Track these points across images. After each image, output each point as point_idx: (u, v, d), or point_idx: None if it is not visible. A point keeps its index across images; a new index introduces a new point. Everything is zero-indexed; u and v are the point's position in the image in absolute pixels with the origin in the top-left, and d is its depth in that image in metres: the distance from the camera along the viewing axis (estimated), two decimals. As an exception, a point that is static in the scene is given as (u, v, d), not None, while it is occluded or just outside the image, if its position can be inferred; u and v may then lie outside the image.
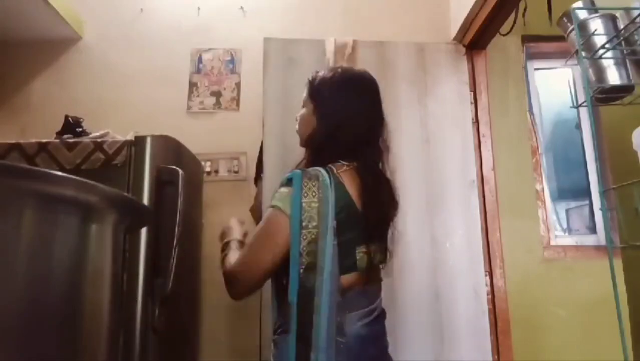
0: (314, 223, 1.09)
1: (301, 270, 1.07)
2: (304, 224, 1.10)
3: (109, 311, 0.77)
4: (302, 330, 1.04)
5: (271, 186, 2.09)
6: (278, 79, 2.18)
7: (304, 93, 1.31)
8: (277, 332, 1.15)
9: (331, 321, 1.04)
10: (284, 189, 1.15)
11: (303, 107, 1.30)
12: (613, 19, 1.37)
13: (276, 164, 2.11)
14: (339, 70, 1.31)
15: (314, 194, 1.11)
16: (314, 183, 1.12)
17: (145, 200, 1.65)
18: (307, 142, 1.28)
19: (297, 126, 1.32)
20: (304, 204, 1.10)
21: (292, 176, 1.15)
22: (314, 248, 1.07)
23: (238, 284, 1.14)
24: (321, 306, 1.03)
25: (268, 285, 1.20)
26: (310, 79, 1.33)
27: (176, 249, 1.68)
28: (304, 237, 1.08)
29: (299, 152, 2.13)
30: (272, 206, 1.14)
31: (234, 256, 1.21)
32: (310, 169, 1.16)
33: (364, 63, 2.26)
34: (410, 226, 2.11)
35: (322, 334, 1.02)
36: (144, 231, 1.63)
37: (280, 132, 2.13)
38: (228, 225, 1.38)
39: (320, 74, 1.32)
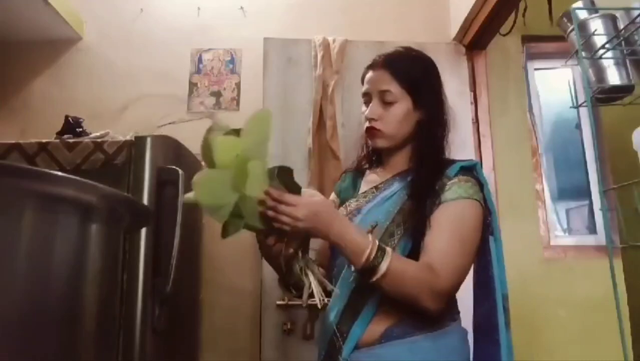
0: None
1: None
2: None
3: (109, 311, 0.77)
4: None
5: (271, 186, 2.09)
6: (278, 79, 2.19)
7: (383, 85, 1.14)
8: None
9: None
10: (470, 181, 1.09)
11: (390, 101, 1.14)
12: (613, 19, 1.37)
13: (276, 164, 2.11)
14: (414, 51, 1.22)
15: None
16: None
17: (145, 200, 1.65)
18: (404, 142, 1.17)
19: (378, 124, 1.14)
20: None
21: (474, 165, 1.12)
22: None
23: (446, 298, 1.02)
24: None
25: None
26: (391, 65, 1.16)
27: (176, 249, 1.68)
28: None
29: (299, 152, 2.14)
30: (470, 198, 1.07)
31: (408, 263, 1.00)
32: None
33: (364, 63, 2.26)
34: (410, 226, 2.11)
35: None
36: (144, 231, 1.63)
37: (280, 132, 2.13)
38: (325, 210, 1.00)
39: (399, 57, 1.19)
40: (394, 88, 1.14)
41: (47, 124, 2.13)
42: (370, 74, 1.20)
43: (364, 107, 1.19)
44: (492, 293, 1.08)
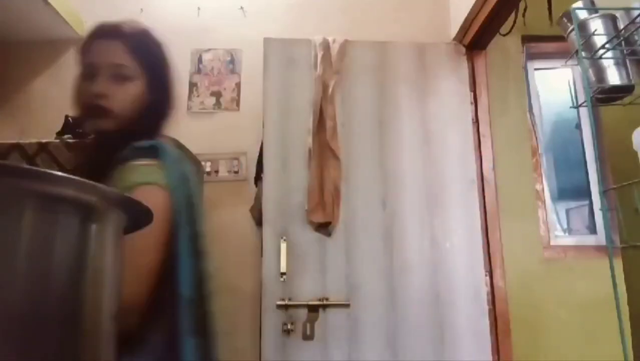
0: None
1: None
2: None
3: (109, 311, 0.76)
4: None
5: (271, 186, 2.09)
6: (278, 79, 2.19)
7: (118, 58, 1.01)
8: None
9: None
10: (154, 165, 0.93)
11: (125, 77, 1.01)
12: (613, 19, 1.37)
13: (276, 164, 2.11)
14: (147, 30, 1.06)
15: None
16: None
17: (145, 200, 1.65)
18: (129, 121, 1.02)
19: (107, 102, 0.99)
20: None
21: (153, 145, 0.96)
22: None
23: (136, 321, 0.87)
24: None
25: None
26: (128, 36, 1.04)
27: (176, 249, 1.67)
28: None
29: (300, 152, 2.14)
30: (150, 183, 0.91)
31: None
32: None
33: (364, 63, 2.27)
34: (410, 226, 2.11)
35: None
36: (144, 231, 1.63)
37: (280, 132, 2.14)
38: None
39: (136, 32, 1.05)
40: (130, 63, 1.01)
41: (47, 124, 2.13)
42: (98, 43, 1.05)
43: (80, 82, 1.01)
44: (177, 298, 0.91)
